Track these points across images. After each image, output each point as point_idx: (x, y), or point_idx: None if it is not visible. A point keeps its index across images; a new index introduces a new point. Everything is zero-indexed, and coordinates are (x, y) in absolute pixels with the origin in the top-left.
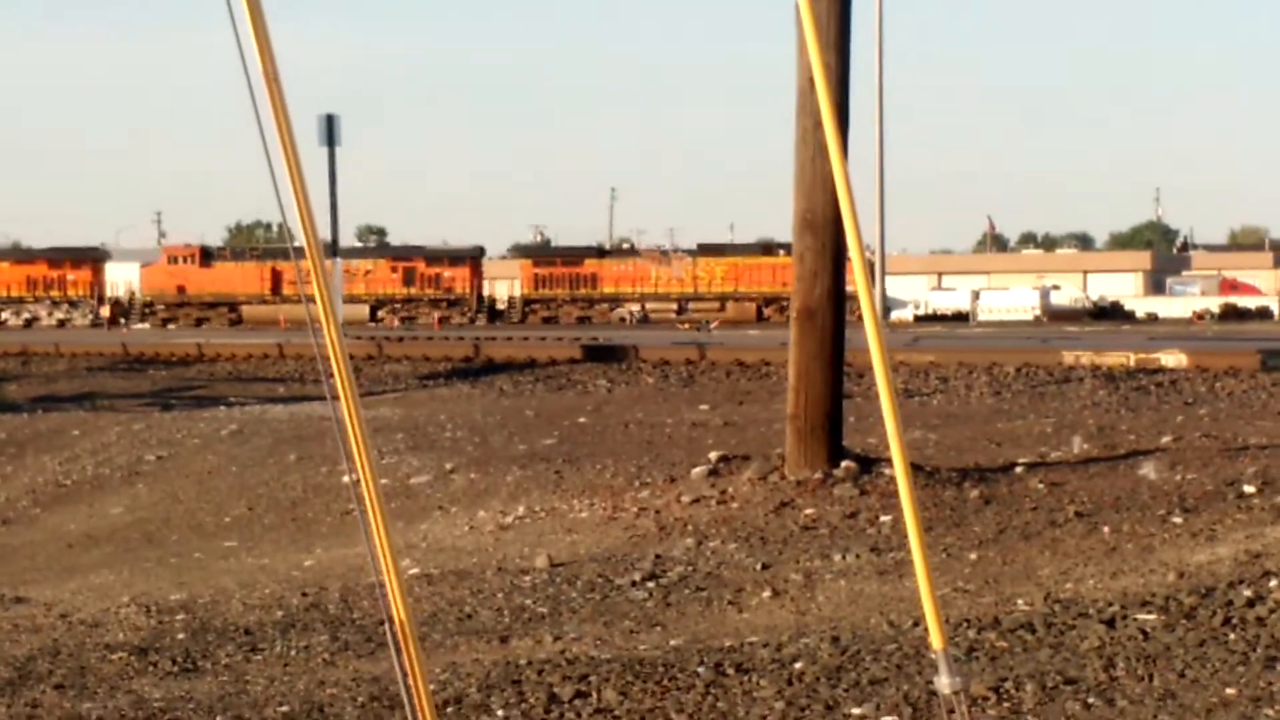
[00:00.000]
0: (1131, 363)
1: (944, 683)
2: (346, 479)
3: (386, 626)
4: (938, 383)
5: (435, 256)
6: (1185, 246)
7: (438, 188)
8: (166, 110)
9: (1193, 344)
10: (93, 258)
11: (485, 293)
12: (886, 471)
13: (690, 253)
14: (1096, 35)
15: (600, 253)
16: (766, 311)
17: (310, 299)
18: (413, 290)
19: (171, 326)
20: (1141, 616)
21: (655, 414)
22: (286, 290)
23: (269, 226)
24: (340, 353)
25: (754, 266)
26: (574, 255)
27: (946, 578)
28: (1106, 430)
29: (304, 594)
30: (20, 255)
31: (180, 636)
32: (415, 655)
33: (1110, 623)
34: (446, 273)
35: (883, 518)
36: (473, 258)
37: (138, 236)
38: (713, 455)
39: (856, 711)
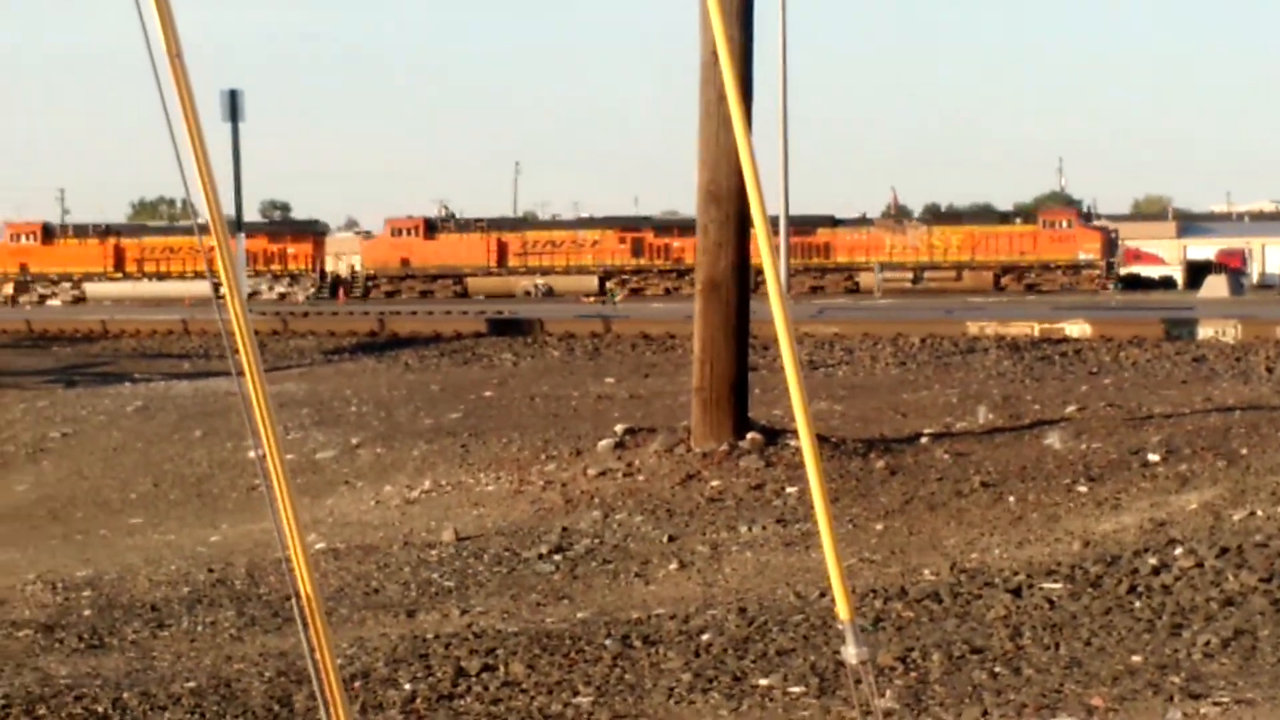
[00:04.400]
0: (1036, 333)
1: (851, 653)
2: (252, 454)
3: (293, 601)
4: (843, 354)
5: (664, 226)
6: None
7: (341, 162)
8: (68, 84)
9: (1097, 313)
10: (314, 231)
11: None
12: (792, 443)
13: (924, 220)
14: (999, 2)
15: (834, 222)
16: (1004, 280)
17: (215, 275)
18: (641, 261)
19: (397, 298)
20: (1047, 585)
21: (561, 387)
22: (512, 262)
23: (173, 203)
24: (245, 328)
25: (990, 235)
26: (806, 225)
27: (853, 548)
28: (1011, 400)
29: (210, 570)
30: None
31: (87, 613)
32: (322, 630)
33: (1016, 592)
34: (675, 243)
35: (789, 489)
36: (692, 229)
37: (38, 213)
38: (619, 428)
39: (764, 682)
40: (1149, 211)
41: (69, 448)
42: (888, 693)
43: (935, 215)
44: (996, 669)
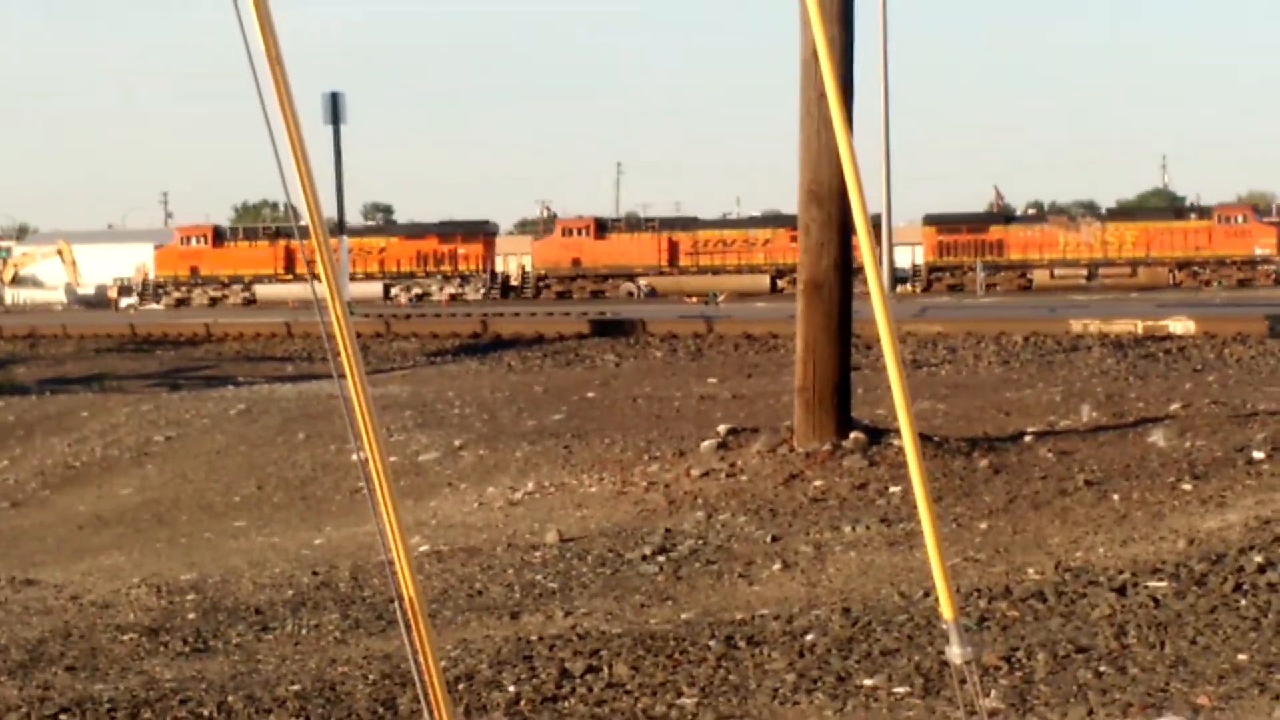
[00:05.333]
0: (1139, 330)
1: (955, 653)
2: (355, 457)
3: (396, 604)
4: (945, 353)
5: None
6: (1004, 217)
7: (443, 165)
8: (169, 90)
9: (1200, 310)
10: (484, 231)
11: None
12: (895, 442)
13: (1099, 217)
14: (1101, 2)
15: (1007, 219)
16: (1179, 276)
17: (316, 278)
18: None
19: (559, 294)
20: (1152, 584)
21: (663, 388)
22: (683, 261)
23: (275, 206)
24: (347, 330)
25: (1165, 231)
26: (979, 222)
27: (957, 547)
28: (1115, 398)
29: (314, 572)
30: (411, 230)
31: (191, 616)
32: (426, 632)
33: (1121, 590)
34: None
35: (892, 488)
36: (874, 227)
37: (145, 218)
38: (721, 428)
39: (869, 683)
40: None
41: (173, 451)
42: (992, 692)
43: (1110, 212)
44: (1101, 668)
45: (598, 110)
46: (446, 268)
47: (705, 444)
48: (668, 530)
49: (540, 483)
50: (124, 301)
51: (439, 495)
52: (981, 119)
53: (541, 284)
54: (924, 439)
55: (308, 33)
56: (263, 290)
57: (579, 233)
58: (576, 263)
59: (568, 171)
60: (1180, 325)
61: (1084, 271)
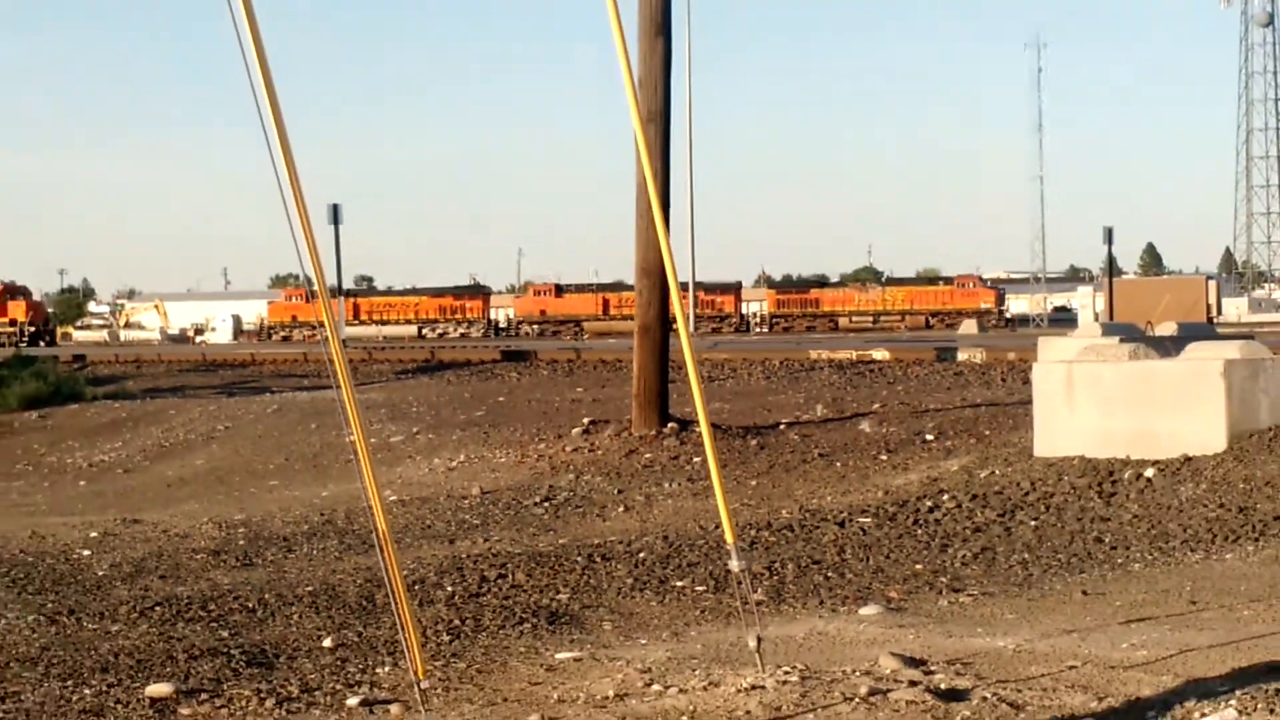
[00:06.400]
0: (854, 357)
1: (734, 565)
2: (348, 439)
3: (374, 534)
4: (729, 371)
5: (710, 287)
6: (863, 283)
7: (403, 248)
8: (225, 201)
9: (894, 344)
10: (483, 292)
11: (744, 312)
12: (696, 429)
13: (881, 284)
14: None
15: (821, 284)
16: (933, 322)
17: (322, 325)
18: (696, 311)
19: (531, 334)
20: (861, 520)
21: (548, 395)
22: (612, 311)
23: (297, 277)
24: (341, 357)
25: (923, 292)
26: (804, 285)
27: (736, 497)
28: (838, 400)
29: (321, 514)
30: (435, 292)
31: (241, 543)
32: (392, 552)
33: (841, 524)
34: (718, 298)
35: (695, 459)
36: (736, 289)
37: (211, 283)
38: (585, 420)
39: (680, 584)
40: (927, 277)
41: (230, 436)
42: (758, 590)
43: (888, 280)
44: (828, 574)
45: (507, 209)
46: (458, 316)
47: (575, 430)
48: (550, 486)
49: (468, 456)
50: (198, 339)
51: (403, 464)
52: (756, 210)
53: (519, 326)
54: (715, 427)
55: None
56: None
57: (545, 293)
58: (543, 312)
59: (487, 251)
60: (880, 354)
61: (871, 319)
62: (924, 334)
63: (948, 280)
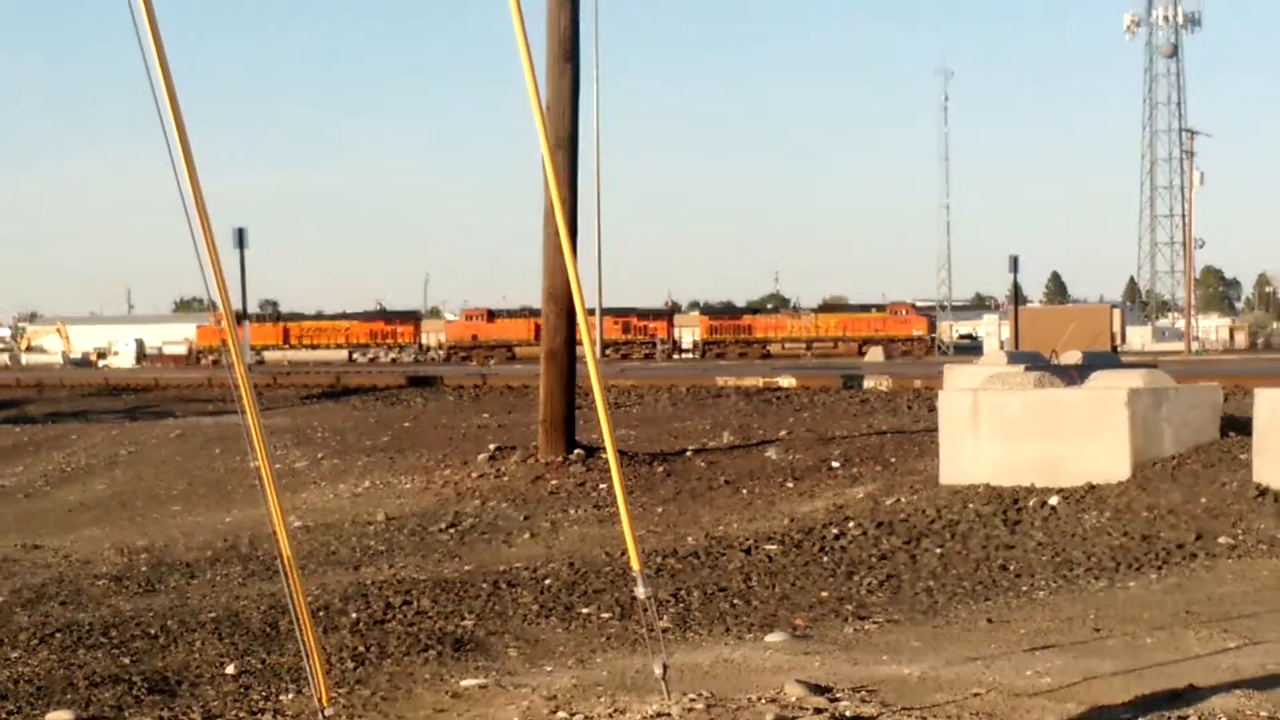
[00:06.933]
0: (761, 384)
1: (640, 591)
2: (252, 464)
3: (279, 560)
4: (636, 398)
5: (644, 314)
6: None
7: (309, 273)
8: (135, 221)
9: (800, 371)
10: (414, 317)
11: (676, 338)
12: (603, 455)
13: (814, 310)
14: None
15: (754, 311)
16: (865, 349)
17: (227, 349)
18: (629, 336)
19: (464, 360)
20: (767, 547)
21: (454, 420)
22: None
23: (201, 301)
24: (246, 382)
25: (856, 319)
26: (736, 312)
27: (642, 524)
28: (744, 428)
29: (225, 540)
30: (367, 316)
31: (143, 569)
32: (297, 578)
33: (748, 551)
34: (651, 324)
35: (601, 485)
36: (669, 315)
37: (114, 307)
38: (492, 446)
39: (585, 610)
40: (833, 304)
41: (133, 461)
42: (664, 617)
43: (820, 306)
44: (735, 601)
45: (414, 235)
46: (389, 340)
47: (481, 456)
48: (456, 512)
49: (374, 481)
50: (101, 362)
51: (308, 489)
52: (665, 242)
53: (451, 352)
54: (622, 454)
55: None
56: (269, 355)
57: (477, 318)
58: (475, 337)
59: (393, 276)
60: (787, 381)
61: (804, 346)
62: (831, 361)
63: (880, 308)
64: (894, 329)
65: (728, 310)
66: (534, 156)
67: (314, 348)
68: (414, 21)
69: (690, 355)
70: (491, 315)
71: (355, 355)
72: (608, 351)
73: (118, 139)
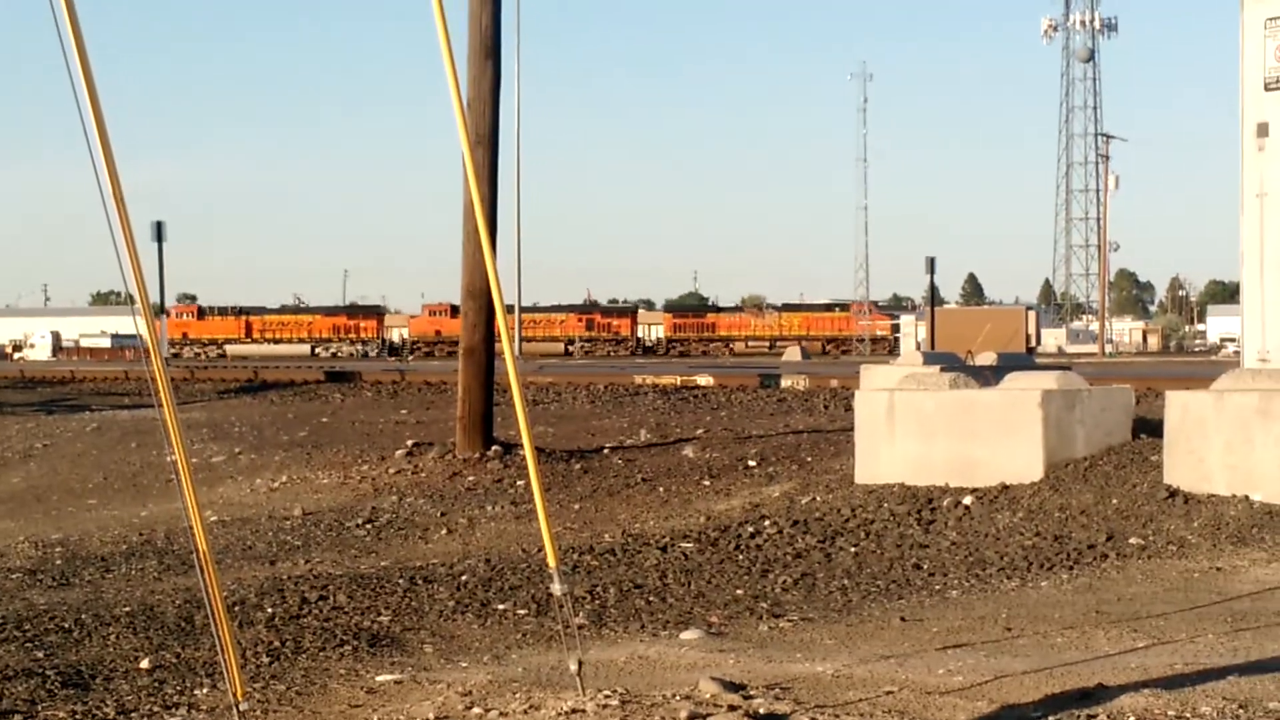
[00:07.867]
0: (679, 383)
1: (556, 588)
2: (168, 458)
3: (194, 555)
4: (554, 395)
5: (607, 311)
6: (759, 308)
7: (228, 265)
8: (49, 224)
9: (718, 370)
10: (378, 312)
11: (640, 335)
12: (520, 452)
13: (776, 309)
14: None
15: (718, 309)
16: (829, 348)
17: (145, 342)
18: (593, 332)
19: (426, 356)
20: (683, 544)
21: (372, 416)
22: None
23: (119, 294)
24: (163, 376)
25: (820, 318)
26: (702, 310)
27: (559, 521)
28: (662, 426)
29: (140, 534)
30: (329, 310)
31: (58, 562)
32: (213, 573)
33: (664, 548)
34: (614, 321)
35: (519, 482)
36: (633, 312)
37: (31, 300)
38: (409, 442)
39: (501, 607)
40: (751, 303)
41: (48, 454)
42: (580, 614)
43: (784, 306)
44: (650, 598)
45: (330, 230)
46: (352, 335)
47: (398, 452)
48: (373, 508)
49: (291, 476)
50: (16, 355)
51: (224, 484)
52: (583, 241)
53: (414, 346)
54: (539, 451)
55: (142, 180)
56: (231, 349)
57: (441, 313)
58: (438, 333)
59: (310, 272)
60: (705, 379)
61: (766, 345)
62: (747, 360)
63: (844, 307)
64: (857, 328)
65: (692, 308)
66: (455, 152)
67: (276, 341)
68: (339, 21)
69: (657, 353)
70: (455, 311)
71: (318, 350)
72: (570, 348)
73: (36, 129)
